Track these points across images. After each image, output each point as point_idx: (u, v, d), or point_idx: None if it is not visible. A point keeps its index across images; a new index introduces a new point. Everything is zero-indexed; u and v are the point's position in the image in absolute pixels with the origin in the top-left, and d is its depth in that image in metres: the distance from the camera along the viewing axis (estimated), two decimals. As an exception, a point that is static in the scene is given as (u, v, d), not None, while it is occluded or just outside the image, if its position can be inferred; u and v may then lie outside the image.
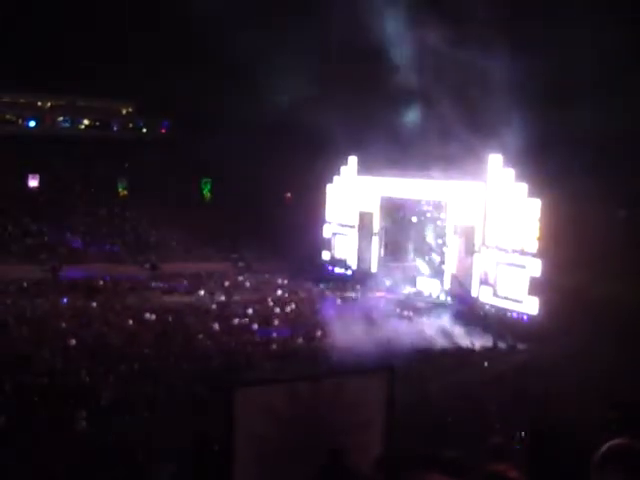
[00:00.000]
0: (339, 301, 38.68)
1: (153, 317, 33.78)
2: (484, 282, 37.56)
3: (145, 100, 65.35)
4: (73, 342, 27.98)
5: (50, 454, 14.97)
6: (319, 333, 30.61)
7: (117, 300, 37.44)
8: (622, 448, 4.08)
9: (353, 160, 47.68)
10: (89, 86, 60.08)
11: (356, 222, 47.33)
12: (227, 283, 44.07)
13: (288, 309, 36.61)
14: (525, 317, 34.85)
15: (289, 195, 59.13)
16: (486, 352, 29.74)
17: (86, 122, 68.74)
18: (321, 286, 43.03)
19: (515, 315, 35.46)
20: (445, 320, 34.23)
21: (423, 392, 20.46)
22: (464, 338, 31.70)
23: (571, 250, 31.69)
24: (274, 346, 29.02)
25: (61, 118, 67.59)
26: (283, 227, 46.79)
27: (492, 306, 36.75)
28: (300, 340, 29.92)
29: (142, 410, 18.82)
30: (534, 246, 34.84)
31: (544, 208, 34.61)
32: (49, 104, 67.44)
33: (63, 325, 31.35)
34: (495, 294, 36.86)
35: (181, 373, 23.30)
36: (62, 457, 14.77)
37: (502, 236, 36.62)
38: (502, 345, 31.09)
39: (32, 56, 56.04)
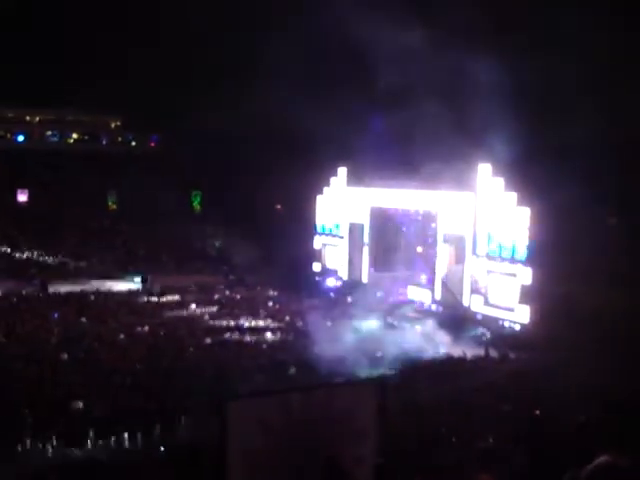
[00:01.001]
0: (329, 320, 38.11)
1: (146, 329, 33.72)
2: (475, 291, 37.59)
3: (133, 114, 65.45)
4: (65, 357, 27.90)
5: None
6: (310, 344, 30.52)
7: (108, 314, 37.30)
8: (608, 466, 4.09)
9: (343, 171, 47.77)
10: (77, 100, 60.13)
11: (346, 233, 47.38)
12: (217, 296, 43.97)
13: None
14: (516, 325, 34.87)
15: (279, 206, 59.22)
16: (478, 361, 29.74)
17: (75, 136, 68.77)
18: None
19: (506, 324, 35.48)
20: (436, 329, 34.24)
21: (415, 401, 20.47)
22: (455, 347, 31.71)
23: (561, 258, 31.82)
24: (265, 359, 28.96)
25: (50, 132, 67.58)
26: (273, 238, 46.79)
27: (483, 315, 36.77)
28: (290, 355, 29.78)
29: (134, 423, 18.73)
30: (524, 255, 34.90)
31: (533, 216, 34.69)
32: (37, 118, 67.45)
33: (54, 340, 31.25)
34: (486, 303, 36.88)
35: (173, 387, 23.23)
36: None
37: (492, 245, 36.68)
38: (494, 354, 31.10)
39: (20, 71, 56.05)
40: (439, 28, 36.88)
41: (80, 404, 18.26)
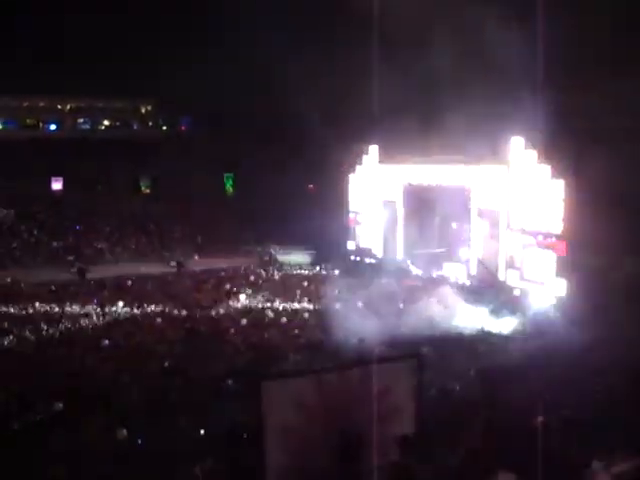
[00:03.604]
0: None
1: (183, 312, 33.97)
2: (510, 266, 37.31)
3: (164, 98, 65.62)
4: (106, 342, 28.26)
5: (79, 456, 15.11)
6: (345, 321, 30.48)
7: (145, 298, 37.62)
8: None
9: (374, 149, 47.56)
10: (108, 86, 60.44)
11: (380, 210, 47.21)
12: (253, 277, 44.14)
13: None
14: (553, 300, 34.54)
15: (312, 186, 59.13)
16: (515, 337, 29.56)
17: (106, 123, 69.11)
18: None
19: (543, 298, 35.14)
20: (474, 305, 34.08)
21: (453, 378, 20.40)
22: (493, 323, 31.55)
23: (597, 230, 31.39)
24: (302, 339, 29.01)
25: (81, 120, 67.98)
26: (307, 218, 46.78)
27: (520, 290, 36.48)
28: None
29: (172, 409, 18.86)
30: (559, 228, 34.54)
31: (568, 189, 34.29)
32: (69, 106, 67.86)
33: (94, 325, 31.71)
34: (522, 277, 36.60)
35: (210, 368, 23.39)
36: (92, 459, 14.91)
37: (527, 219, 36.34)
38: (531, 329, 30.86)
39: (49, 59, 56.36)
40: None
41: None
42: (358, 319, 30.23)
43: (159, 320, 32.78)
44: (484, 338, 29.08)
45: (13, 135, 62.23)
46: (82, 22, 56.29)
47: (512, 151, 36.97)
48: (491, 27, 34.68)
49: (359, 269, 45.40)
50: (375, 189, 47.56)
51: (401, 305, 34.31)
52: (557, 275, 34.43)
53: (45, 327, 31.49)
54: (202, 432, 16.44)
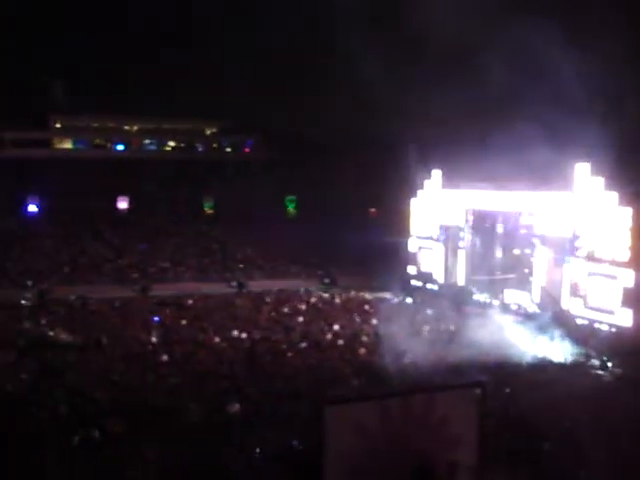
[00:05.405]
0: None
1: (243, 334, 34.04)
2: (574, 294, 36.67)
3: (229, 120, 66.52)
4: (165, 358, 28.53)
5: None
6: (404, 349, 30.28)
7: (205, 318, 37.89)
8: None
9: (437, 173, 47.37)
10: (174, 108, 61.55)
11: (442, 236, 46.94)
12: (313, 300, 44.14)
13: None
14: (618, 330, 33.81)
15: (373, 210, 59.14)
16: (578, 367, 28.98)
17: (172, 144, 70.36)
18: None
19: (608, 328, 34.44)
20: (535, 333, 33.56)
21: (514, 408, 20.08)
22: (555, 352, 31.00)
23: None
24: (360, 363, 28.82)
25: (147, 141, 69.31)
26: (368, 242, 46.71)
27: (583, 318, 35.81)
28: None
29: (232, 428, 18.90)
30: (626, 256, 33.85)
31: (636, 217, 33.63)
32: (135, 128, 69.25)
33: (153, 340, 32.05)
34: (586, 306, 35.94)
35: (269, 390, 23.39)
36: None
37: (592, 246, 35.72)
38: (595, 360, 30.24)
39: (117, 82, 57.70)
40: (536, 30, 36.15)
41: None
42: (416, 344, 30.04)
43: (218, 339, 32.93)
44: (544, 367, 28.59)
45: (83, 154, 63.81)
46: (151, 46, 57.48)
47: (578, 177, 36.46)
48: (557, 50, 34.44)
49: (420, 294, 45.18)
50: (437, 214, 47.33)
51: (460, 331, 33.97)
52: (623, 304, 33.74)
53: (106, 342, 31.93)
54: (259, 452, 16.39)
